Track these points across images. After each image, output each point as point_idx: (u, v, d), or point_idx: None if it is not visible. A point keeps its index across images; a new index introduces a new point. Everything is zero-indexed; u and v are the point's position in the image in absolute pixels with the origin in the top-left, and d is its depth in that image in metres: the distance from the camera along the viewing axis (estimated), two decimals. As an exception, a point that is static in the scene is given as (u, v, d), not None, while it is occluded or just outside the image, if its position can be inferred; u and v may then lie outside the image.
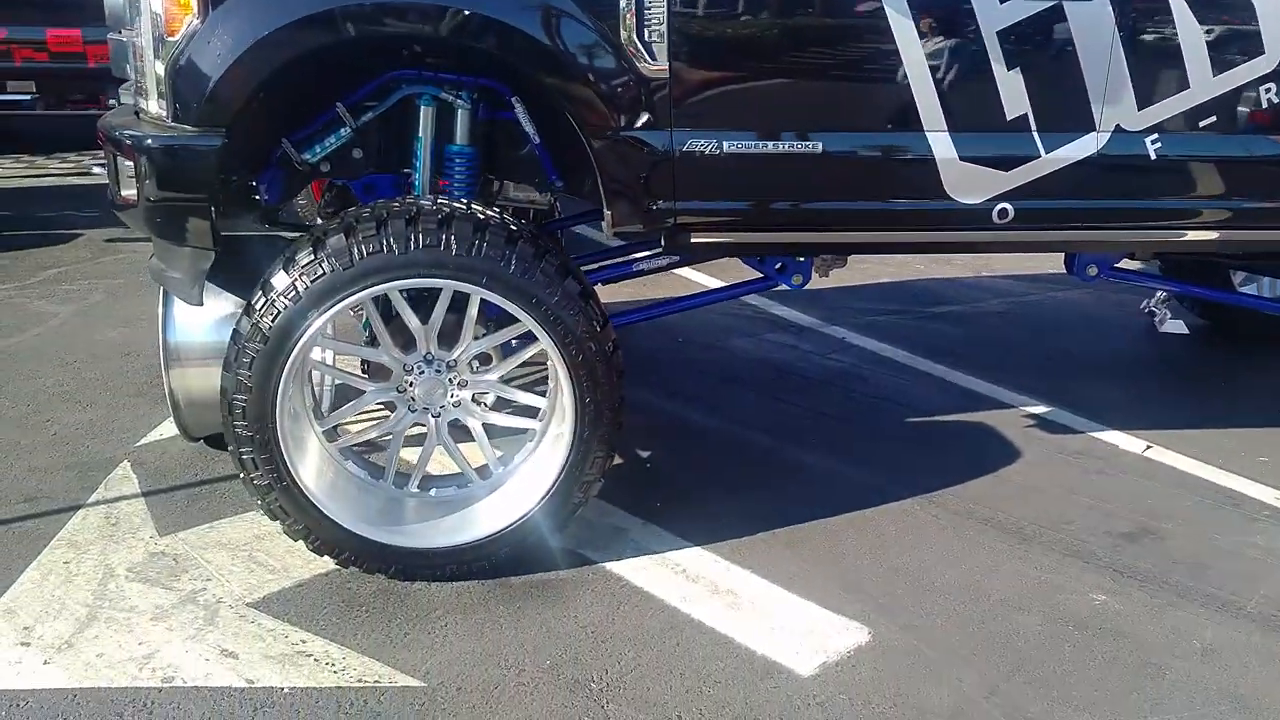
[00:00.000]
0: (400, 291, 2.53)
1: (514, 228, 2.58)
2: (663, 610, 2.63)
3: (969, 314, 5.22)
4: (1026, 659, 2.48)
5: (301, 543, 2.65)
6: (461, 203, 2.62)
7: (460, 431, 2.77)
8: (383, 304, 2.61)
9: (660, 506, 3.11)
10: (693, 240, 2.85)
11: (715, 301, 3.58)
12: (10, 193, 7.31)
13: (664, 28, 2.59)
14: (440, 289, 2.54)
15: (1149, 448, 3.64)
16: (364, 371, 2.86)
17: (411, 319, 2.59)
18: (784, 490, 3.27)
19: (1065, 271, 3.54)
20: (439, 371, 2.68)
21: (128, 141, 2.58)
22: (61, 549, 2.79)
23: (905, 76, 2.71)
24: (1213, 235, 3.08)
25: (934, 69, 2.72)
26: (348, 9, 2.46)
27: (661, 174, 2.71)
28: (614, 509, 3.06)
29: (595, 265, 3.42)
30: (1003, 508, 3.18)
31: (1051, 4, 2.72)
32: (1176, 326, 4.98)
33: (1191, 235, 3.06)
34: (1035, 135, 2.82)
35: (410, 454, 2.85)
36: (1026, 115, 2.80)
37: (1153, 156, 2.90)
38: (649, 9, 2.56)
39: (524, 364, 2.75)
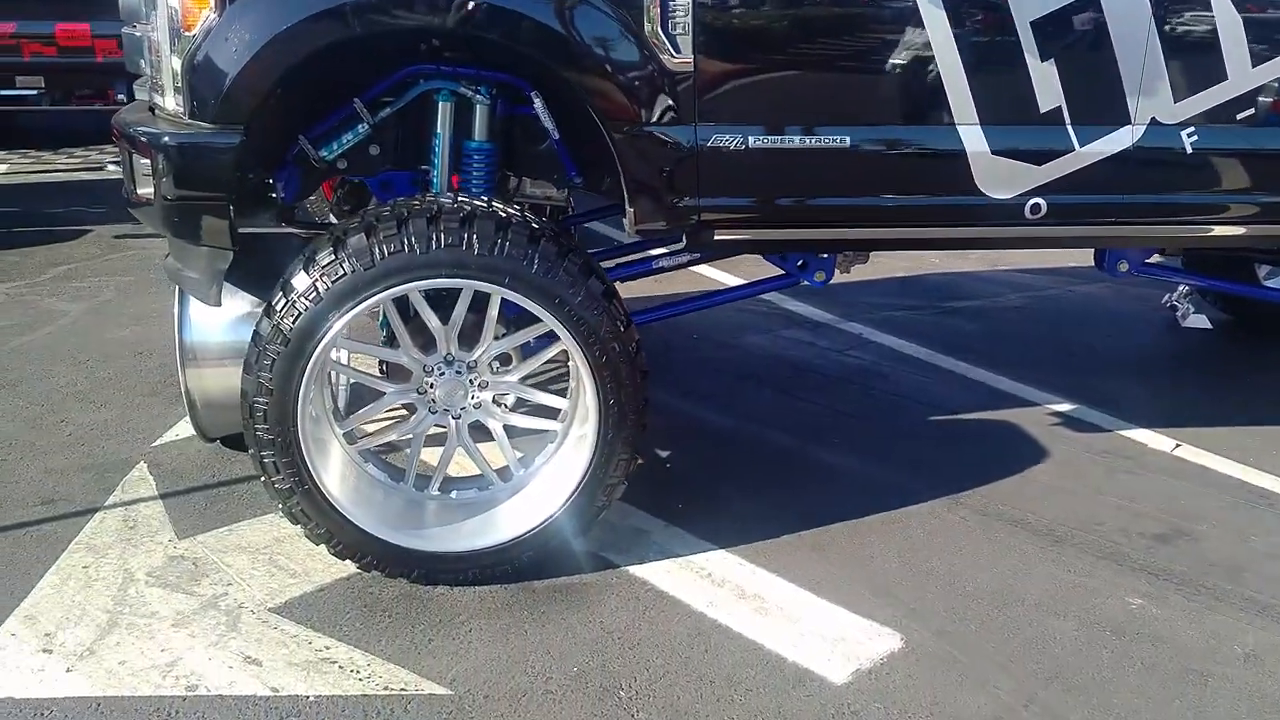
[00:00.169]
0: (420, 291, 2.49)
1: (536, 226, 2.52)
2: (689, 615, 2.58)
3: (987, 309, 5.16)
4: (1064, 665, 2.43)
5: (323, 547, 2.61)
6: (483, 200, 2.57)
7: (478, 431, 2.72)
8: (400, 303, 2.56)
9: (682, 508, 3.06)
10: (716, 237, 2.80)
11: (736, 299, 3.53)
12: (18, 188, 7.28)
13: (688, 19, 2.54)
14: (460, 289, 2.49)
15: (1177, 446, 3.58)
16: (381, 372, 2.82)
17: (432, 319, 2.55)
18: (807, 491, 3.22)
19: (1093, 266, 3.49)
20: (459, 373, 2.64)
21: (144, 139, 2.53)
22: (80, 553, 2.75)
23: (936, 68, 2.65)
24: (1250, 230, 3.02)
25: (966, 61, 2.66)
26: (367, 1, 2.40)
27: (685, 170, 2.65)
28: (635, 510, 3.01)
29: (613, 262, 3.37)
30: (1032, 508, 3.12)
31: (1086, -6, 2.67)
32: (1199, 321, 4.92)
33: (1229, 230, 3.00)
34: (1069, 128, 2.76)
35: (428, 455, 2.80)
36: (1060, 108, 2.74)
37: (1189, 150, 2.84)
38: (673, 0, 2.50)
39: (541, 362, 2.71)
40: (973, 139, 2.72)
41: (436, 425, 2.69)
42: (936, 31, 2.62)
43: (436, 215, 2.44)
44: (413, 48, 2.71)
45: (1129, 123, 2.81)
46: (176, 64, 2.48)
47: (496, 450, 2.75)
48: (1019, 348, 4.56)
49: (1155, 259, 3.55)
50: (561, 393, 2.75)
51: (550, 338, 2.59)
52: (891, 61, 2.68)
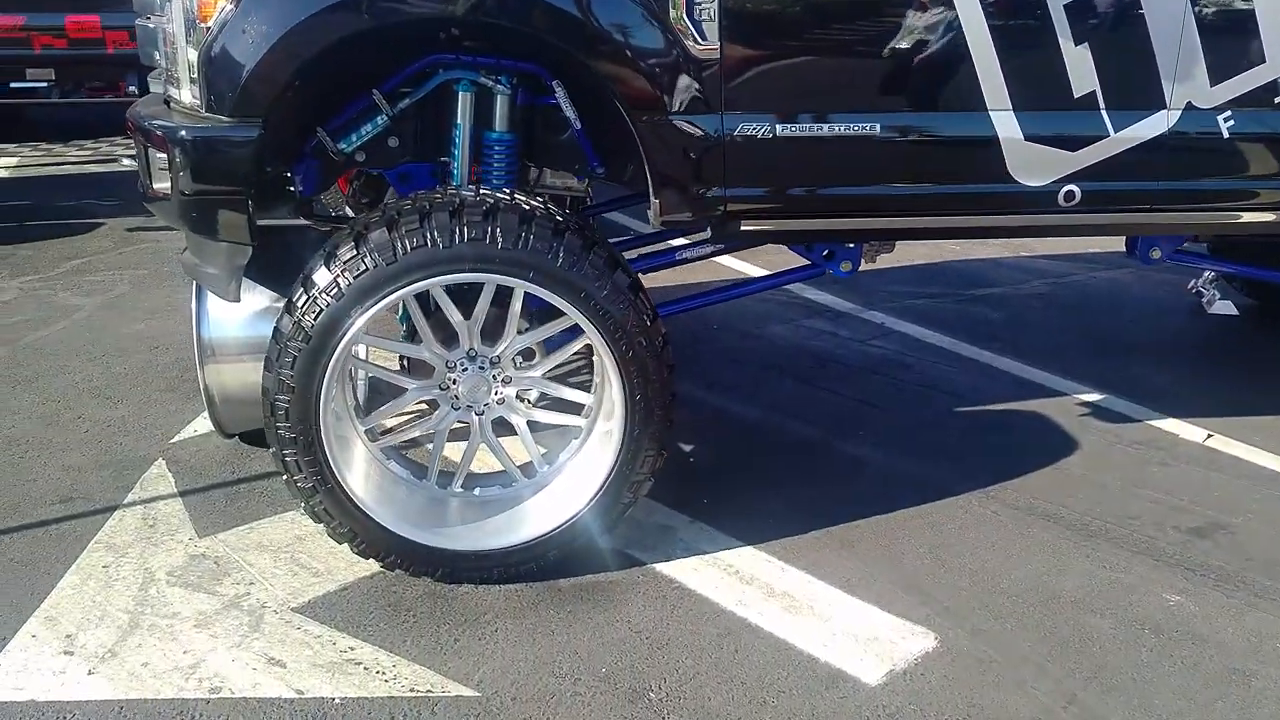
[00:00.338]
0: (442, 286, 2.44)
1: (561, 219, 2.47)
2: (718, 614, 2.54)
3: (1010, 296, 5.08)
4: (1103, 665, 2.37)
5: (346, 545, 2.57)
6: (505, 193, 2.52)
7: (499, 426, 2.67)
8: (421, 297, 2.51)
9: (707, 504, 3.02)
10: (743, 228, 2.74)
11: (761, 291, 3.47)
12: (30, 181, 7.25)
13: (714, 5, 2.48)
14: (483, 283, 2.45)
15: (1209, 436, 3.52)
16: (402, 368, 2.77)
17: (454, 314, 2.50)
18: (834, 485, 3.17)
19: (1116, 252, 3.42)
20: (482, 368, 2.59)
21: (160, 133, 2.48)
22: (100, 551, 2.72)
23: (969, 52, 2.58)
24: (1290, 216, 2.95)
25: (998, 45, 2.59)
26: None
27: (712, 159, 2.60)
28: (659, 506, 2.96)
29: (634, 254, 3.31)
30: (1065, 502, 3.07)
31: (1122, -25, 2.60)
32: (1225, 307, 4.85)
33: (1266, 216, 2.92)
34: (1104, 113, 2.69)
35: (449, 451, 2.76)
36: (1095, 92, 2.67)
37: (1226, 135, 2.77)
38: (698, -15, 2.44)
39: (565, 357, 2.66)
40: (1005, 125, 2.66)
41: (458, 421, 2.64)
42: (969, 14, 2.55)
43: (459, 208, 2.38)
44: (431, 37, 2.66)
45: (1164, 107, 2.74)
46: (192, 56, 2.43)
47: (519, 446, 2.71)
48: (1043, 335, 4.50)
49: (1187, 246, 3.47)
50: (583, 386, 2.70)
51: (575, 332, 2.54)
52: (922, 46, 2.61)
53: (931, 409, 3.75)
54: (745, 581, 2.67)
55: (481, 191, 2.49)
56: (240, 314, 2.96)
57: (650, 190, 2.63)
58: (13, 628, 2.40)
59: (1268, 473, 3.29)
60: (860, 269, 3.06)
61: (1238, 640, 2.47)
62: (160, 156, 2.50)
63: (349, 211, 3.68)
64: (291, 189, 2.82)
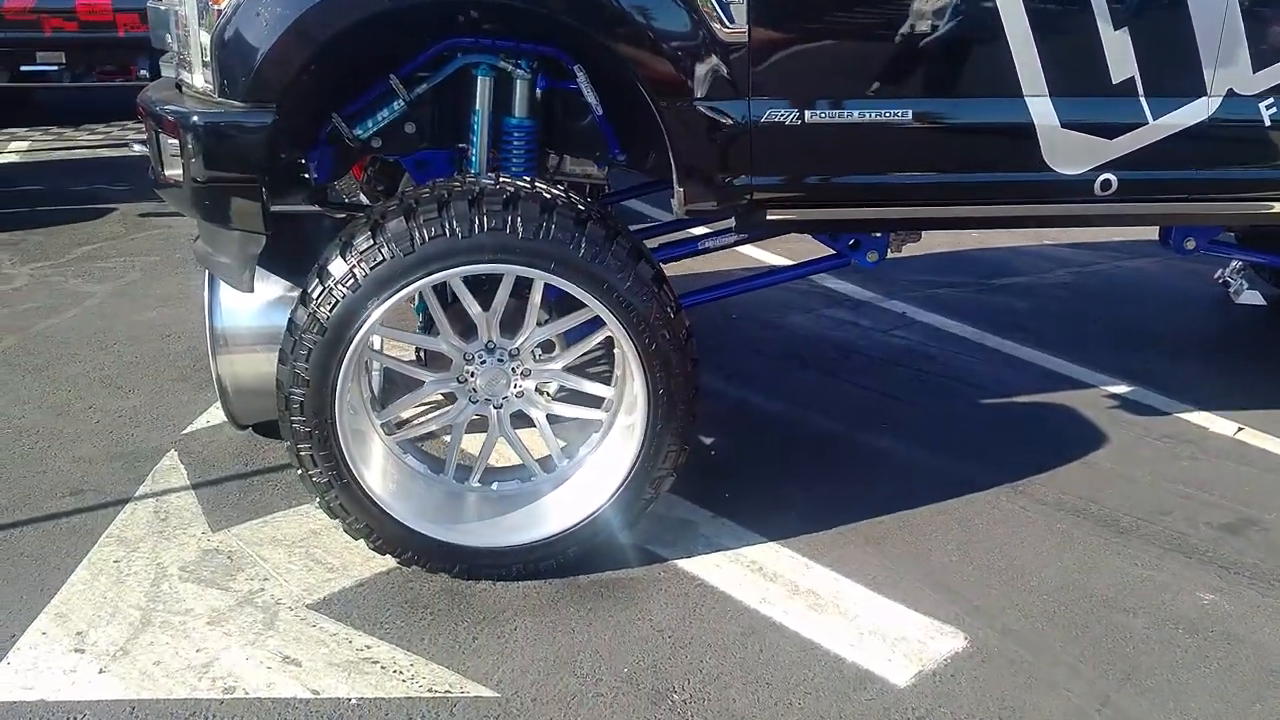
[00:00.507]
0: (461, 276, 2.37)
1: (582, 208, 2.40)
2: (742, 612, 2.48)
3: (1034, 285, 5.00)
4: (1137, 666, 2.31)
5: (362, 541, 2.52)
6: (525, 181, 2.45)
7: (517, 419, 2.62)
8: (438, 288, 2.45)
9: (729, 498, 2.96)
10: (769, 217, 2.67)
11: (785, 281, 3.40)
12: (40, 166, 7.20)
13: (742, -12, 2.40)
14: (502, 274, 2.38)
15: (1239, 429, 3.44)
16: (418, 359, 2.72)
17: (472, 305, 2.44)
18: (858, 480, 3.10)
19: (1142, 241, 3.35)
20: (501, 361, 2.53)
21: (172, 118, 2.42)
22: (111, 546, 2.68)
23: (1004, 37, 2.50)
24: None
25: (1035, 29, 2.51)
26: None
27: (738, 146, 2.53)
28: (680, 500, 2.90)
29: (655, 242, 3.24)
30: (1095, 498, 3.00)
31: (1163, -43, 2.51)
32: (1253, 297, 4.75)
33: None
34: (1143, 100, 2.62)
35: (466, 444, 2.70)
36: (1134, 78, 2.59)
37: (1268, 123, 2.69)
38: (726, -33, 2.37)
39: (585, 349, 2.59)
40: (1041, 111, 2.58)
41: (476, 414, 2.59)
42: (1005, -2, 2.47)
43: (479, 197, 2.32)
44: (450, 19, 2.58)
45: (1205, 94, 2.65)
46: (205, 39, 2.37)
47: (538, 439, 2.65)
48: (1069, 326, 4.41)
49: (1222, 236, 3.38)
50: (603, 378, 2.64)
51: (596, 324, 2.48)
52: (956, 31, 2.53)
53: (956, 401, 3.68)
54: (769, 579, 2.61)
55: (501, 180, 2.42)
56: (254, 304, 2.90)
57: (674, 178, 2.56)
58: (22, 624, 2.36)
59: (1301, 468, 3.22)
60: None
61: (1275, 641, 2.40)
62: (172, 142, 2.44)
63: (364, 199, 3.61)
64: (306, 176, 2.75)
